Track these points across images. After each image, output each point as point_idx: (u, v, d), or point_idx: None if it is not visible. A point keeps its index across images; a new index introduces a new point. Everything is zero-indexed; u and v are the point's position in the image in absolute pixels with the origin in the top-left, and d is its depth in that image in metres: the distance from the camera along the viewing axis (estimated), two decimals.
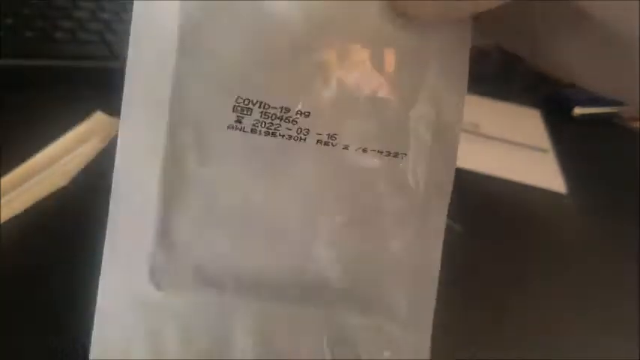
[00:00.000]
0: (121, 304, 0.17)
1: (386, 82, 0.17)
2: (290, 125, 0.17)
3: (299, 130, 0.17)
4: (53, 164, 0.30)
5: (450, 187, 0.19)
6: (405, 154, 0.18)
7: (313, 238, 0.18)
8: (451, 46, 0.18)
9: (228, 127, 0.17)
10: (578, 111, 0.53)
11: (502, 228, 0.36)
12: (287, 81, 0.17)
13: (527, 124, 0.50)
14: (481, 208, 0.37)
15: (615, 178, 0.44)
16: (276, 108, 0.17)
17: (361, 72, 0.17)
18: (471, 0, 0.16)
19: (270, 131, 0.17)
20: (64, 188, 0.29)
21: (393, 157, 0.18)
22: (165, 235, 0.17)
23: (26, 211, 0.27)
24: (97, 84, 0.35)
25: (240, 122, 0.17)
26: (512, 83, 0.55)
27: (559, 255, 0.35)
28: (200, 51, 0.16)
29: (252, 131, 0.17)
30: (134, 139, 0.17)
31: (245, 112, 0.17)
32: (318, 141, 0.17)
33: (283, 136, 0.17)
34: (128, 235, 0.17)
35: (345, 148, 0.17)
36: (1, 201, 0.27)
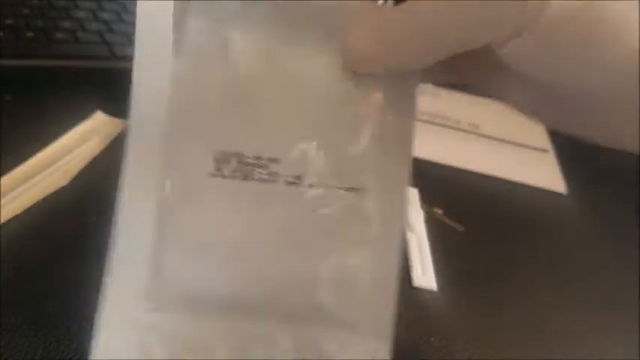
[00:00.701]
0: (117, 323, 0.20)
1: (341, 129, 0.21)
2: (262, 170, 0.20)
3: (270, 173, 0.20)
4: (53, 164, 0.30)
5: (404, 211, 0.23)
6: (362, 189, 0.21)
7: (285, 264, 0.21)
8: (398, 91, 0.21)
9: (209, 174, 0.20)
10: None
11: (502, 228, 0.36)
12: (258, 133, 0.20)
13: (527, 125, 0.49)
14: (481, 208, 0.37)
15: (615, 179, 0.44)
16: (249, 157, 0.20)
17: (319, 121, 0.21)
18: (407, 62, 0.19)
19: (246, 176, 0.20)
20: (64, 188, 0.29)
21: (353, 192, 0.21)
22: (157, 267, 0.20)
23: (26, 211, 0.27)
24: (98, 84, 0.35)
25: (220, 170, 0.20)
26: None
27: (559, 255, 0.35)
28: (187, 112, 0.20)
29: (231, 177, 0.20)
30: (134, 188, 0.20)
31: (224, 162, 0.20)
32: (286, 182, 0.21)
33: (256, 179, 0.20)
34: (126, 267, 0.20)
35: (310, 186, 0.21)
36: (2, 201, 0.27)
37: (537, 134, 0.48)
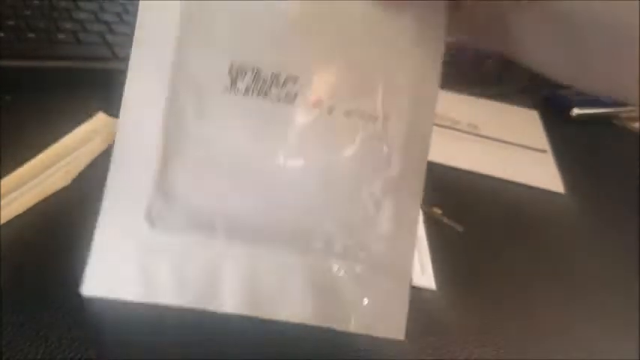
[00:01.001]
0: (116, 241, 0.18)
1: (366, 53, 0.19)
2: (280, 89, 0.19)
3: (287, 93, 0.19)
4: (55, 165, 0.30)
5: (429, 140, 0.21)
6: (385, 118, 0.20)
7: (297, 188, 0.20)
8: (427, 26, 0.20)
9: (223, 90, 0.19)
10: (576, 112, 0.53)
11: (501, 228, 0.36)
12: (278, 49, 0.19)
13: (525, 125, 0.50)
14: (480, 208, 0.37)
15: (614, 179, 0.44)
16: (267, 73, 0.19)
17: (347, 46, 0.19)
18: None
19: (262, 94, 0.19)
20: (65, 188, 0.29)
21: (373, 120, 0.20)
22: (163, 181, 0.19)
23: (28, 212, 0.27)
24: (99, 85, 0.35)
25: (234, 84, 0.19)
26: (511, 84, 0.55)
27: (558, 255, 0.35)
28: (202, 18, 0.19)
29: (246, 93, 0.19)
30: (139, 95, 0.19)
31: (239, 76, 0.19)
32: (304, 103, 0.19)
33: (273, 98, 0.19)
34: (129, 178, 0.19)
35: (330, 111, 0.19)
36: (3, 201, 0.27)
37: (536, 135, 0.48)
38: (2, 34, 0.36)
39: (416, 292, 0.29)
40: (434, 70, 0.20)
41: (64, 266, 0.25)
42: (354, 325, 0.20)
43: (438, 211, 0.35)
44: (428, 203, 0.35)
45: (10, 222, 0.27)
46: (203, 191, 0.19)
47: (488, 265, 0.32)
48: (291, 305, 0.20)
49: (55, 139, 0.31)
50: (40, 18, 0.39)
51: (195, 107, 0.19)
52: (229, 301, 0.19)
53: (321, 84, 0.19)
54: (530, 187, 0.40)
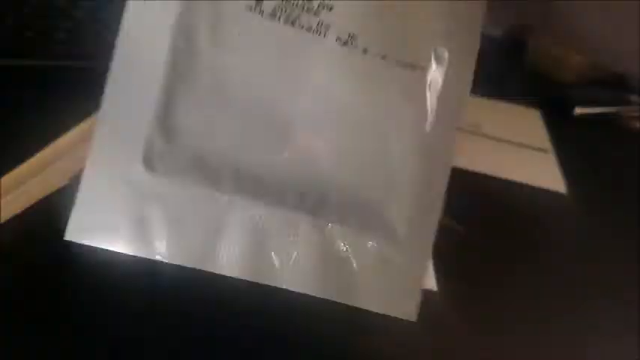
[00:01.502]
0: (107, 183, 0.16)
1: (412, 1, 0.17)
2: (311, 17, 0.17)
3: (320, 23, 0.17)
4: (54, 164, 0.30)
5: (464, 109, 0.18)
6: (423, 68, 0.18)
7: (318, 139, 0.17)
8: None
9: (246, 8, 0.16)
10: (578, 111, 0.53)
11: (502, 228, 0.36)
12: None
13: (527, 125, 0.49)
14: (481, 208, 0.37)
15: (615, 178, 0.44)
16: None
17: None
18: None
19: (290, 19, 0.16)
20: (64, 188, 0.29)
21: (411, 68, 0.18)
22: (166, 115, 0.16)
23: (26, 211, 0.27)
24: (97, 84, 0.35)
25: (260, 3, 0.16)
26: (513, 83, 0.55)
27: (559, 255, 0.35)
28: None
29: (272, 16, 0.16)
30: (146, 5, 0.16)
31: None
32: (337, 38, 0.17)
33: (303, 27, 0.17)
34: (127, 107, 0.16)
35: (365, 51, 0.17)
36: (3, 200, 0.27)
37: (538, 134, 0.48)
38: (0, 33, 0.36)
39: None
40: (474, 27, 0.18)
41: (63, 266, 0.25)
42: (363, 301, 0.18)
43: None
44: None
45: (10, 221, 0.26)
46: (212, 132, 0.17)
47: (488, 265, 0.32)
48: (298, 275, 0.18)
49: (54, 138, 0.31)
50: (38, 17, 0.39)
51: (210, 27, 0.16)
52: (229, 265, 0.17)
53: (358, 17, 0.17)
54: (532, 187, 0.39)
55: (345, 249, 0.18)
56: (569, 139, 0.48)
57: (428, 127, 0.18)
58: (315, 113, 0.17)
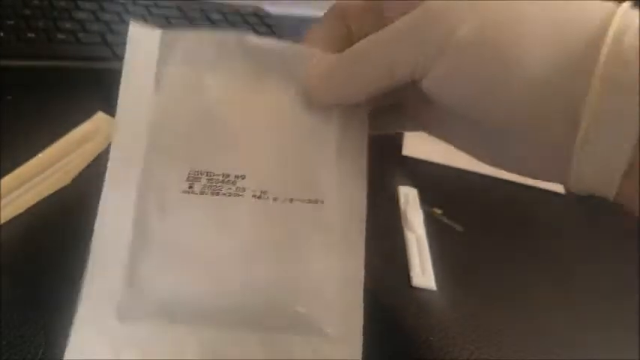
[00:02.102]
0: (91, 335, 0.20)
1: (302, 149, 0.23)
2: (230, 186, 0.22)
3: (237, 189, 0.22)
4: (55, 164, 0.30)
5: (364, 218, 0.23)
6: (323, 200, 0.23)
7: (250, 272, 0.22)
8: (352, 124, 0.24)
9: (182, 192, 0.22)
10: None
11: (501, 228, 0.36)
12: (227, 154, 0.23)
13: None
14: (481, 208, 0.37)
15: None
16: (218, 175, 0.22)
17: (283, 144, 0.23)
18: (351, 94, 0.22)
19: (215, 192, 0.22)
20: (65, 188, 0.29)
21: (314, 203, 0.23)
22: (133, 277, 0.21)
23: (28, 211, 0.27)
24: (98, 85, 0.35)
25: (192, 188, 0.22)
26: None
27: (559, 255, 0.35)
28: (163, 137, 0.22)
29: (201, 193, 0.22)
30: (113, 202, 0.22)
31: (195, 180, 0.22)
32: (252, 195, 0.22)
33: (225, 194, 0.22)
34: (102, 277, 0.21)
35: (275, 199, 0.22)
36: (3, 201, 0.27)
37: None
38: (2, 34, 0.36)
39: (416, 292, 0.29)
40: (362, 156, 0.24)
41: (64, 266, 0.25)
42: None
43: (438, 211, 0.35)
44: (428, 203, 0.35)
45: (10, 222, 0.27)
46: (165, 280, 0.21)
47: (488, 265, 0.32)
48: None
49: (55, 138, 0.32)
50: (40, 18, 0.39)
51: (158, 210, 0.22)
52: None
53: (264, 178, 0.22)
54: (531, 188, 0.40)
55: (286, 354, 0.22)
56: None
57: (337, 242, 0.23)
58: (248, 253, 0.22)
